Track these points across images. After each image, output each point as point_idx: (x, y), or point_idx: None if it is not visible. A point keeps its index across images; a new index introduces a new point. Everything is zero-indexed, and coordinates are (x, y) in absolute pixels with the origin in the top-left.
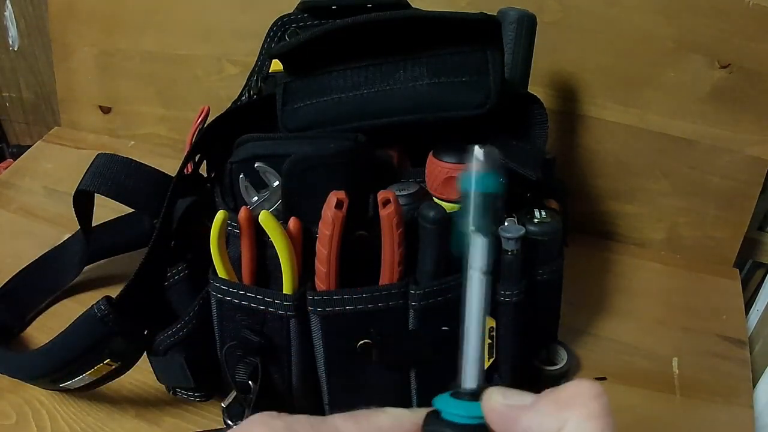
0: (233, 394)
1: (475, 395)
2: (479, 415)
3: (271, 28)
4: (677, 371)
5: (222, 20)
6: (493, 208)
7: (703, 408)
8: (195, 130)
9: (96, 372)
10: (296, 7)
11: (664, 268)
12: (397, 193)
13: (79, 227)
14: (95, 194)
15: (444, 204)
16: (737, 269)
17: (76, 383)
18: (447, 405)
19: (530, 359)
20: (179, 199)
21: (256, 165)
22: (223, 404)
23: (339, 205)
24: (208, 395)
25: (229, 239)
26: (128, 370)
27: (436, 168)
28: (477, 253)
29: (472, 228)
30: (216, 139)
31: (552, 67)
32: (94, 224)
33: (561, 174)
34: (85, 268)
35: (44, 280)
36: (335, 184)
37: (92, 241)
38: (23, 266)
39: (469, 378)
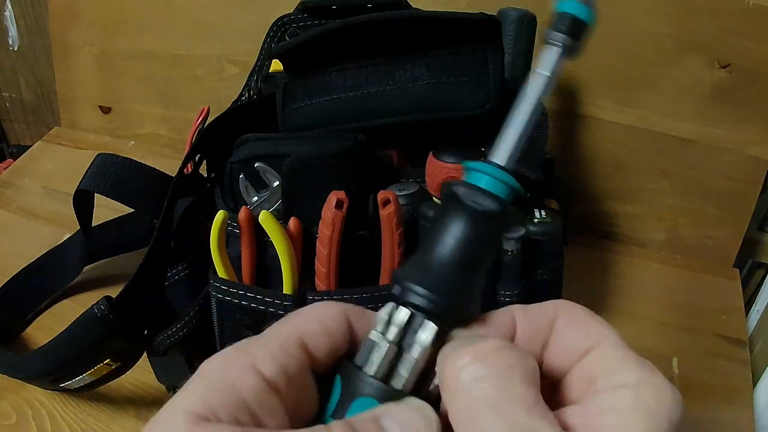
0: None
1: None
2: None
3: (271, 28)
4: (677, 371)
5: (222, 20)
6: (576, 32)
7: (703, 408)
8: (195, 130)
9: (96, 372)
10: (296, 7)
11: (664, 268)
12: (397, 193)
13: (79, 227)
14: (95, 194)
15: None
16: (737, 269)
17: (76, 383)
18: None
19: None
20: (179, 199)
21: (256, 165)
22: None
23: (339, 205)
24: None
25: (229, 239)
26: (128, 370)
27: (436, 168)
28: (550, 60)
29: (552, 40)
30: (216, 139)
31: None
32: (94, 224)
33: (561, 174)
34: (85, 268)
35: (44, 280)
36: (335, 184)
37: (92, 241)
38: (23, 266)
39: (501, 153)
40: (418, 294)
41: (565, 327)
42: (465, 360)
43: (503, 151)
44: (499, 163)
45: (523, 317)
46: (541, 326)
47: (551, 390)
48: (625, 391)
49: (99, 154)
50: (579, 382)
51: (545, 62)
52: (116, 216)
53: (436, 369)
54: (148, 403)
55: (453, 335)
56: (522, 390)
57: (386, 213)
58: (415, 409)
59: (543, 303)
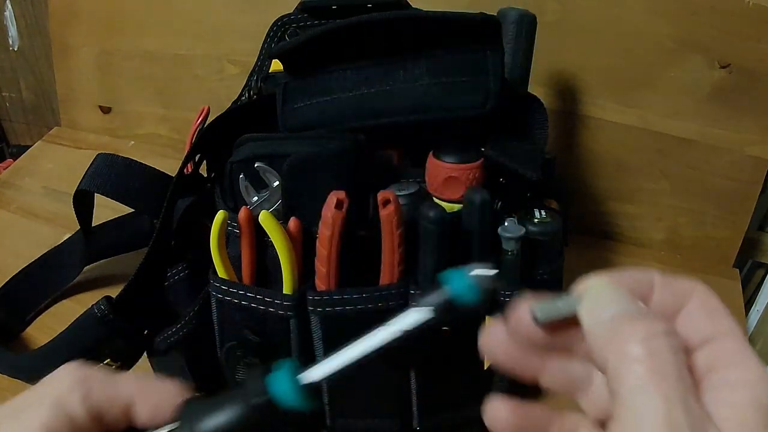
0: None
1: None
2: None
3: (271, 28)
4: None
5: (222, 20)
6: (452, 313)
7: None
8: (195, 130)
9: None
10: (296, 7)
11: (664, 268)
12: (397, 193)
13: (79, 227)
14: (95, 194)
15: (444, 204)
16: (737, 269)
17: None
18: None
19: None
20: (179, 199)
21: (256, 165)
22: None
23: (339, 205)
24: (208, 395)
25: (229, 239)
26: (128, 370)
27: (436, 168)
28: (412, 319)
29: (427, 306)
30: (216, 139)
31: (552, 67)
32: (94, 224)
33: (561, 174)
34: (85, 268)
35: (44, 280)
36: (335, 184)
37: (92, 241)
38: (23, 266)
39: (316, 371)
40: None
41: (695, 309)
42: (645, 331)
43: (318, 370)
44: (306, 378)
45: (662, 286)
46: (677, 301)
47: None
48: (743, 386)
49: (99, 154)
50: (696, 369)
51: (406, 320)
52: (116, 216)
53: (594, 340)
54: None
55: (591, 283)
56: (685, 371)
57: (386, 213)
58: None
59: (682, 279)
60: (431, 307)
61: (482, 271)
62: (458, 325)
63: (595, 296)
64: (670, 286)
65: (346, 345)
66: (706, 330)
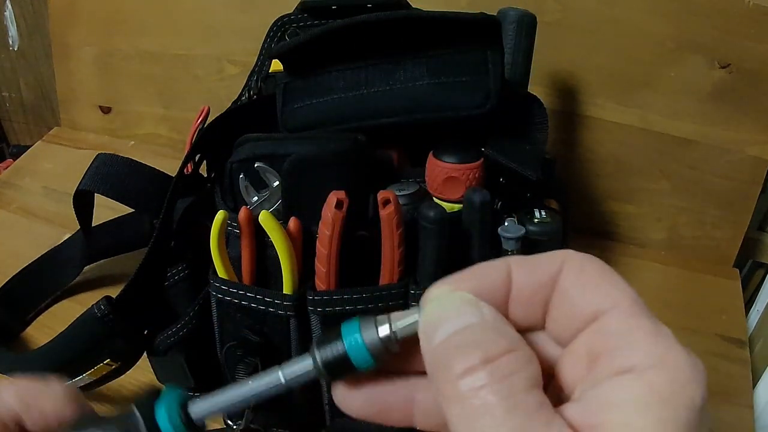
0: None
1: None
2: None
3: (271, 28)
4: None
5: (222, 20)
6: (342, 372)
7: None
8: (195, 130)
9: (96, 372)
10: (296, 7)
11: (664, 268)
12: (397, 193)
13: (79, 227)
14: (95, 194)
15: (444, 204)
16: (737, 269)
17: (76, 383)
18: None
19: None
20: (179, 199)
21: (256, 165)
22: None
23: (339, 205)
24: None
25: (229, 239)
26: (128, 370)
27: (436, 168)
28: (298, 368)
29: (317, 358)
30: (216, 139)
31: (552, 67)
32: (94, 224)
33: (561, 174)
34: (85, 268)
35: (44, 280)
36: (335, 184)
37: (92, 241)
38: (23, 266)
39: (203, 406)
40: None
41: (570, 286)
42: (461, 368)
43: (206, 405)
44: (191, 413)
45: (521, 271)
46: (542, 283)
47: (555, 368)
48: (630, 378)
49: (99, 154)
50: (580, 361)
51: (292, 371)
52: (116, 216)
53: (427, 368)
54: None
55: (431, 296)
56: (524, 396)
57: (386, 213)
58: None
59: (546, 254)
60: (315, 362)
61: (387, 329)
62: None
63: (431, 311)
64: (529, 267)
65: (236, 383)
66: (586, 307)
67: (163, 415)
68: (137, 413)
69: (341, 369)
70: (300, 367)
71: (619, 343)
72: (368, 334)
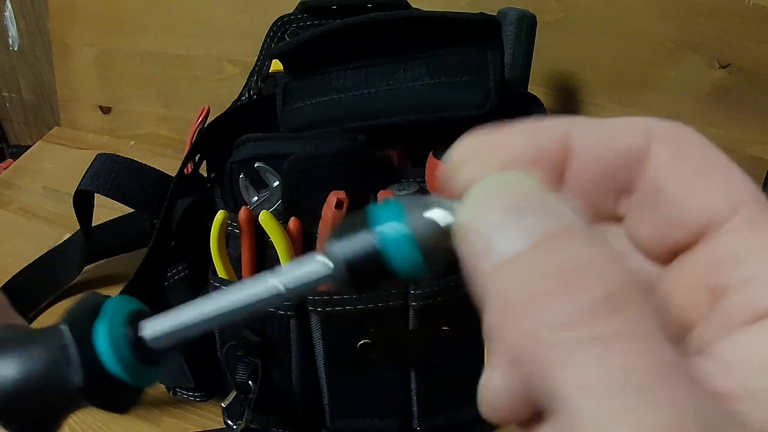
0: (233, 394)
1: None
2: None
3: (271, 28)
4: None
5: (222, 20)
6: (372, 280)
7: None
8: (195, 130)
9: None
10: (296, 7)
11: None
12: (397, 193)
13: (79, 227)
14: (95, 194)
15: None
16: None
17: None
18: None
19: None
20: (179, 199)
21: (256, 165)
22: (223, 404)
23: (339, 205)
24: (208, 395)
25: (229, 239)
26: None
27: (436, 168)
28: (303, 275)
29: (326, 256)
30: (216, 139)
31: (552, 67)
32: (94, 224)
33: None
34: (85, 268)
35: (44, 280)
36: (335, 184)
37: (92, 241)
38: (23, 266)
39: (153, 326)
40: None
41: (666, 176)
42: (560, 328)
43: (167, 322)
44: (144, 335)
45: (587, 138)
46: (621, 161)
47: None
48: None
49: (99, 154)
50: (694, 291)
51: (293, 274)
52: (116, 216)
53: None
54: (148, 403)
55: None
56: (671, 355)
57: None
58: None
59: (621, 119)
60: (332, 264)
61: (442, 213)
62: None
63: (477, 210)
64: (599, 136)
65: (209, 295)
66: (690, 215)
67: (103, 335)
68: (67, 333)
69: (373, 273)
70: (308, 270)
71: (754, 271)
72: (417, 219)
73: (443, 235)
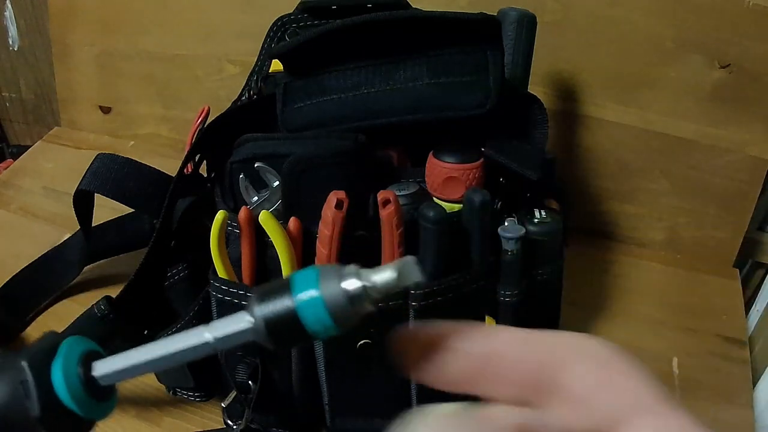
0: (233, 394)
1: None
2: None
3: (271, 28)
4: (677, 371)
5: (222, 20)
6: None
7: (703, 408)
8: (195, 130)
9: None
10: (296, 7)
11: (664, 268)
12: (397, 193)
13: (79, 227)
14: (95, 194)
15: (444, 204)
16: (737, 269)
17: None
18: None
19: None
20: (179, 199)
21: (256, 165)
22: (223, 404)
23: (339, 205)
24: (208, 395)
25: (229, 239)
26: None
27: (436, 168)
28: (229, 328)
29: (256, 314)
30: (216, 139)
31: (552, 67)
32: (94, 224)
33: (561, 174)
34: (85, 268)
35: (44, 280)
36: (335, 184)
37: (92, 241)
38: (23, 266)
39: (103, 366)
40: None
41: (579, 381)
42: None
43: (114, 364)
44: (96, 373)
45: (519, 351)
46: (543, 375)
47: None
48: None
49: (99, 154)
50: None
51: (221, 328)
52: (116, 216)
53: None
54: (148, 403)
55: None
56: None
57: (386, 213)
58: None
59: (548, 333)
60: (254, 321)
61: (358, 281)
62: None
63: None
64: (529, 349)
65: (152, 342)
66: (599, 414)
67: (58, 373)
68: (27, 370)
69: (289, 332)
70: (233, 325)
71: None
72: (329, 286)
73: (353, 301)
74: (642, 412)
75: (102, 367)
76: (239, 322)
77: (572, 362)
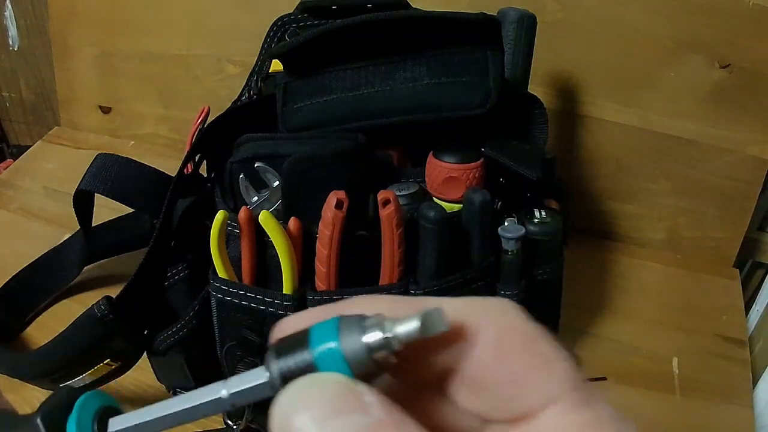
0: None
1: None
2: None
3: (271, 28)
4: (677, 371)
5: (222, 20)
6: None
7: (703, 408)
8: (195, 130)
9: (96, 372)
10: (296, 7)
11: (664, 268)
12: (397, 193)
13: (79, 227)
14: (95, 194)
15: (444, 204)
16: (737, 269)
17: (76, 383)
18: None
19: None
20: (179, 199)
21: (256, 165)
22: None
23: (339, 205)
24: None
25: (229, 239)
26: (128, 370)
27: (436, 168)
28: (247, 384)
29: (274, 370)
30: (216, 139)
31: (552, 67)
32: (94, 224)
33: (561, 174)
34: (85, 268)
35: (44, 280)
36: (335, 184)
37: (92, 241)
38: (23, 266)
39: (122, 423)
40: None
41: (489, 362)
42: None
43: (129, 422)
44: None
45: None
46: (444, 347)
47: None
48: None
49: (99, 154)
50: None
51: (238, 385)
52: (116, 216)
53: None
54: (148, 403)
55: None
56: None
57: (386, 213)
58: None
59: (457, 299)
60: (271, 376)
61: (380, 333)
62: None
63: (294, 411)
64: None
65: (169, 399)
66: (511, 402)
67: (73, 430)
68: (42, 428)
69: None
70: (250, 381)
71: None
72: (349, 340)
73: (372, 352)
74: (553, 403)
75: (117, 424)
76: (257, 378)
77: (481, 340)
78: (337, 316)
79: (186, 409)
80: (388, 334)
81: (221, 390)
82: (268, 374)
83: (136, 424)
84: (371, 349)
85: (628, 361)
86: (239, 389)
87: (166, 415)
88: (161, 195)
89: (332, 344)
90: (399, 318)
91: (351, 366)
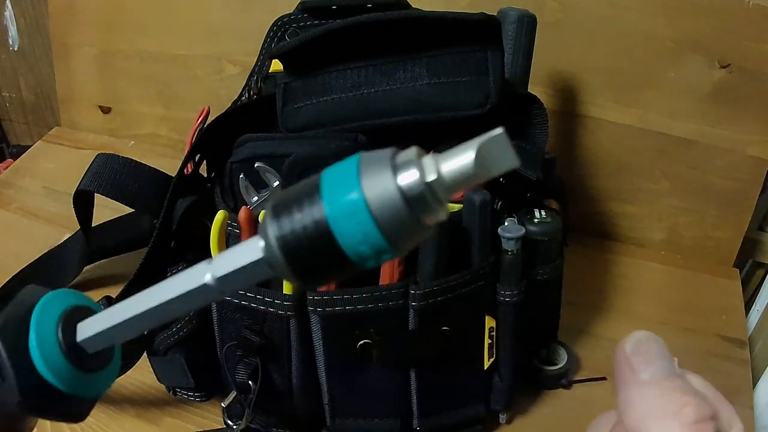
0: (233, 394)
1: None
2: None
3: (271, 28)
4: (677, 371)
5: (222, 20)
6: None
7: None
8: (195, 130)
9: None
10: (296, 7)
11: (664, 268)
12: None
13: (79, 227)
14: (95, 194)
15: None
16: (737, 269)
17: None
18: None
19: (530, 359)
20: (179, 199)
21: (256, 165)
22: (223, 404)
23: None
24: (208, 395)
25: (229, 239)
26: (128, 370)
27: None
28: (236, 259)
29: (270, 234)
30: (216, 139)
31: (552, 67)
32: (94, 224)
33: (561, 174)
34: (85, 268)
35: (44, 280)
36: None
37: (92, 241)
38: (23, 266)
39: (88, 326)
40: None
41: None
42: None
43: (100, 322)
44: (80, 339)
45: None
46: None
47: None
48: None
49: (99, 154)
50: None
51: (226, 263)
52: (116, 216)
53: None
54: (148, 403)
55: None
56: None
57: None
58: None
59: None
60: (267, 244)
61: (417, 172)
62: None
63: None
64: None
65: (142, 291)
66: None
67: (34, 344)
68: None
69: (318, 259)
70: (240, 257)
71: None
72: (376, 183)
73: (411, 203)
74: None
75: (87, 330)
76: (249, 252)
77: None
78: (357, 155)
79: (165, 303)
80: (431, 175)
81: (205, 274)
82: (263, 244)
83: (109, 327)
84: (408, 196)
85: None
86: (228, 271)
87: (142, 313)
88: (161, 195)
89: (354, 194)
90: (444, 153)
91: (380, 224)
